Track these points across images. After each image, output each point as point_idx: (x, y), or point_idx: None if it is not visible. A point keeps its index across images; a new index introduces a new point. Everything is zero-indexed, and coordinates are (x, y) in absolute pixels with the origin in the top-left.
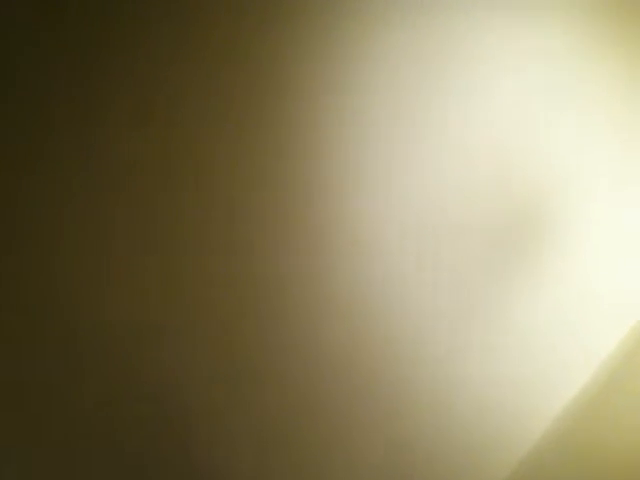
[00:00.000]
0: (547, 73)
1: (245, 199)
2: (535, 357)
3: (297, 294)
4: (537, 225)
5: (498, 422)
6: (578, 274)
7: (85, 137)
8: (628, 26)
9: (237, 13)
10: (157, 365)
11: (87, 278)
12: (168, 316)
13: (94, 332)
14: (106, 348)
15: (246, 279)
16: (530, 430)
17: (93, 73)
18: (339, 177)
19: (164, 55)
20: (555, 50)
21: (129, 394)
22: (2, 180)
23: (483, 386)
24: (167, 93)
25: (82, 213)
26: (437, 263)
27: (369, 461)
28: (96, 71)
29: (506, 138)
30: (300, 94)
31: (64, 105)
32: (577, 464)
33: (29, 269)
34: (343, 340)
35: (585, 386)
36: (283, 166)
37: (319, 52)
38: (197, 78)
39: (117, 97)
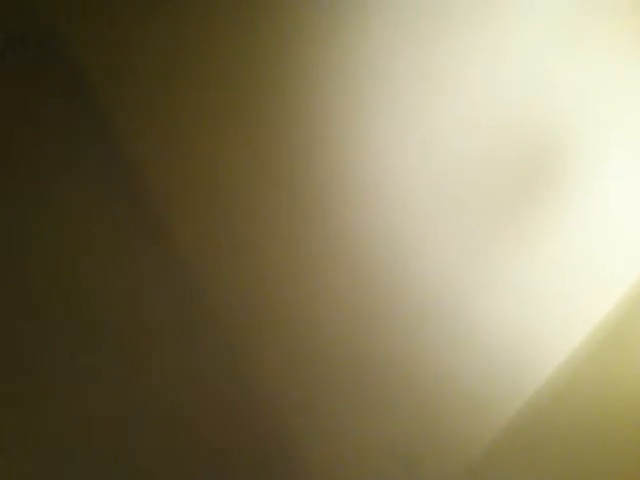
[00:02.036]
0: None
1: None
2: (541, 302)
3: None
4: (549, 171)
5: (503, 364)
6: (587, 220)
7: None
8: None
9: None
10: None
11: None
12: None
13: None
14: None
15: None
16: (535, 374)
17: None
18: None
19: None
20: None
21: None
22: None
23: (489, 327)
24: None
25: None
26: (447, 207)
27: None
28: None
29: (521, 78)
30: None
31: None
32: (580, 408)
33: None
34: (360, 279)
35: (589, 335)
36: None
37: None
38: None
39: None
